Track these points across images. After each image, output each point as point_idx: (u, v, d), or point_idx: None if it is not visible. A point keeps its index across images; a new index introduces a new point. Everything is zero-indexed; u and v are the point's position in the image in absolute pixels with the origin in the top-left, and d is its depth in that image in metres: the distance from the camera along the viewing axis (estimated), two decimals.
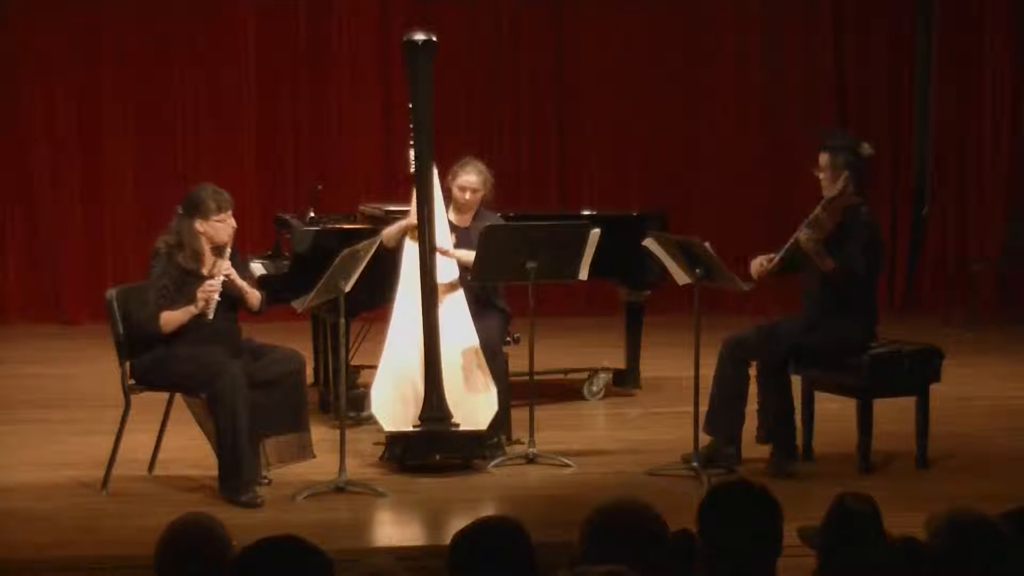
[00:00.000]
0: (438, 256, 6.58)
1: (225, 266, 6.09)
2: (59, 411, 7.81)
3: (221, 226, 6.12)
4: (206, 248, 6.14)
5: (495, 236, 6.63)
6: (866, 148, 6.52)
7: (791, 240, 6.40)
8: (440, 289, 6.58)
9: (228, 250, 6.12)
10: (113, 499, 6.06)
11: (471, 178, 6.89)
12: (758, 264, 6.49)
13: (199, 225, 6.11)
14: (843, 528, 3.53)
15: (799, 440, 6.49)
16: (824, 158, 6.49)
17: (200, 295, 6.02)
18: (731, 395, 6.47)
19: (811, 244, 6.37)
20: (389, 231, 6.76)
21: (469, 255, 6.69)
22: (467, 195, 6.89)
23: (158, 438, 6.42)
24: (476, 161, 6.96)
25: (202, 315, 6.03)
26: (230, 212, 6.16)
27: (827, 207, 6.42)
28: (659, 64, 11.56)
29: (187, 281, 6.08)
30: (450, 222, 6.86)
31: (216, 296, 6.03)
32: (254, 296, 6.24)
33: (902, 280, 11.68)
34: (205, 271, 6.12)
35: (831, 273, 6.38)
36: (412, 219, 6.61)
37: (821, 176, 6.50)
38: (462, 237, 6.85)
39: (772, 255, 6.47)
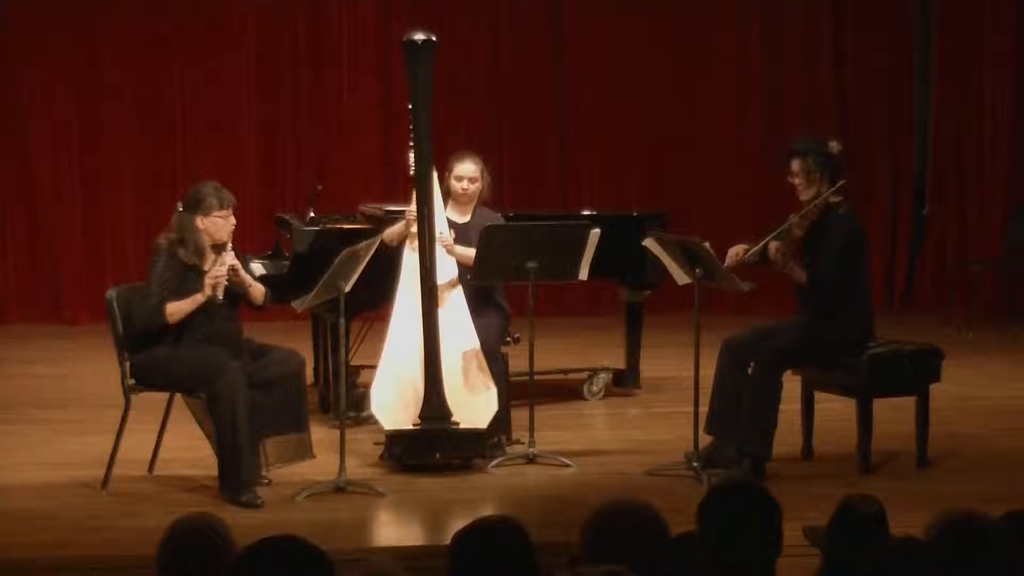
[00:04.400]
0: (438, 256, 6.58)
1: (230, 257, 6.09)
2: (59, 411, 7.81)
3: (222, 223, 6.12)
4: (207, 245, 6.14)
5: (495, 236, 6.63)
6: (834, 145, 6.51)
7: (762, 243, 6.39)
8: (440, 289, 6.58)
9: (229, 245, 6.12)
10: (113, 499, 6.06)
11: (468, 166, 6.89)
12: (734, 253, 6.47)
13: (200, 221, 6.10)
14: (850, 529, 3.54)
15: (772, 445, 6.39)
16: (795, 164, 6.47)
17: (208, 280, 6.01)
18: (731, 396, 6.45)
19: (779, 257, 6.36)
20: (391, 231, 6.76)
21: (468, 252, 6.69)
22: (465, 184, 6.89)
23: (158, 438, 6.42)
24: (472, 153, 6.97)
25: (213, 299, 6.02)
26: (231, 210, 6.16)
27: (801, 215, 6.40)
28: (659, 64, 11.56)
29: (189, 276, 6.08)
30: (449, 220, 6.86)
31: (224, 280, 6.03)
32: (258, 290, 6.24)
33: (902, 280, 11.69)
34: (207, 267, 6.11)
35: (803, 283, 6.38)
36: (413, 215, 6.59)
37: (796, 182, 6.49)
38: (461, 234, 6.85)
39: (748, 246, 6.45)
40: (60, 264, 11.03)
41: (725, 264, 6.42)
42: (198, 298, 6.02)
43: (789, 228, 6.40)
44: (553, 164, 11.61)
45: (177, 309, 6.02)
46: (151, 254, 6.17)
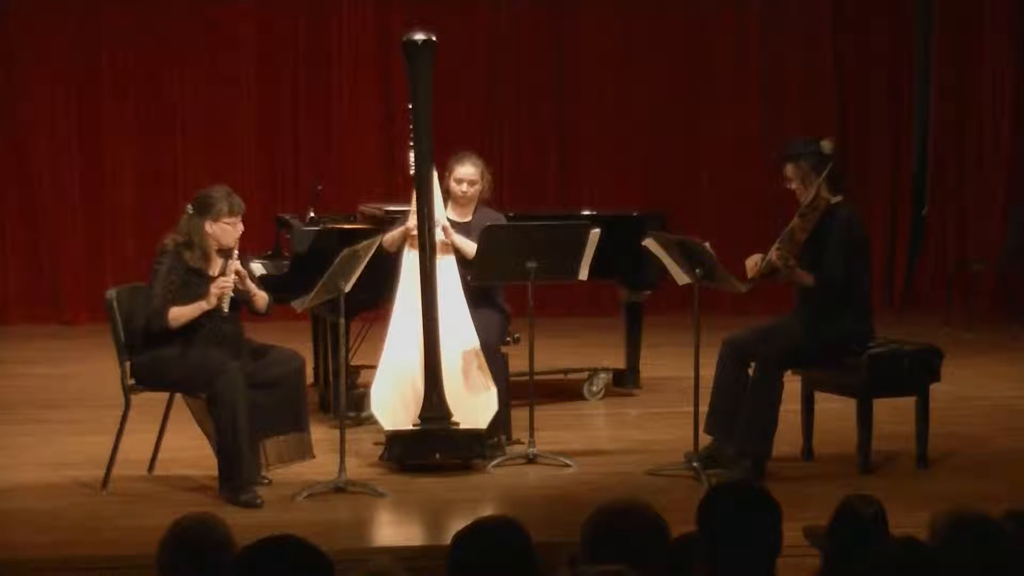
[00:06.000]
0: (438, 256, 6.58)
1: (237, 265, 6.09)
2: (59, 411, 7.81)
3: (230, 229, 6.10)
4: (213, 249, 6.13)
5: (495, 236, 6.63)
6: (827, 145, 6.47)
7: (769, 254, 6.37)
8: (440, 289, 6.57)
9: (236, 252, 6.12)
10: (113, 499, 6.05)
11: (468, 169, 6.89)
12: (752, 263, 6.46)
13: (209, 226, 6.09)
14: (850, 530, 3.54)
15: (773, 444, 6.38)
16: (789, 169, 6.46)
17: (213, 290, 6.00)
18: (731, 396, 6.45)
19: (783, 264, 6.34)
20: (391, 236, 6.75)
21: (467, 243, 6.70)
22: (464, 187, 6.89)
23: (158, 438, 6.42)
24: (472, 155, 6.97)
25: (218, 308, 6.01)
26: (240, 217, 6.14)
27: (802, 216, 6.39)
28: (659, 64, 11.57)
29: (193, 280, 6.07)
30: (449, 219, 6.86)
31: (230, 291, 6.02)
32: (262, 298, 6.24)
33: (902, 280, 11.69)
34: (212, 272, 6.11)
35: (812, 286, 6.37)
36: (412, 224, 6.60)
37: (793, 187, 6.47)
38: (462, 234, 6.84)
39: (762, 255, 6.44)
40: (60, 264, 11.04)
41: (747, 276, 6.41)
42: (202, 305, 6.01)
43: (792, 232, 6.38)
44: (553, 164, 11.62)
45: (180, 314, 6.01)
46: (156, 254, 6.16)
